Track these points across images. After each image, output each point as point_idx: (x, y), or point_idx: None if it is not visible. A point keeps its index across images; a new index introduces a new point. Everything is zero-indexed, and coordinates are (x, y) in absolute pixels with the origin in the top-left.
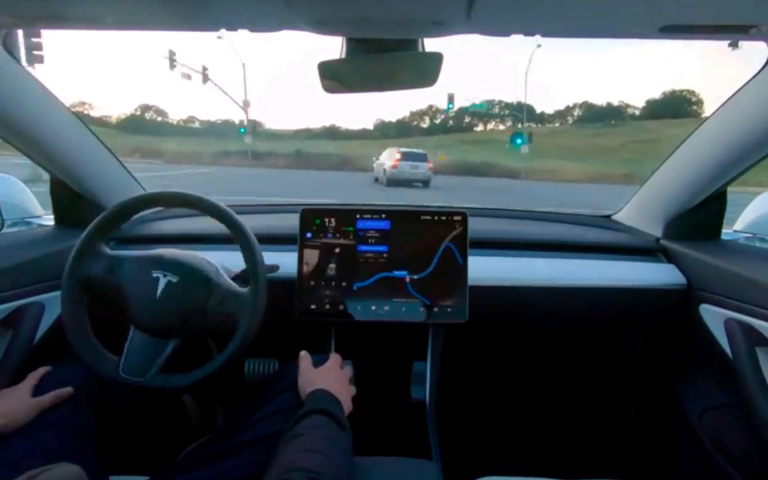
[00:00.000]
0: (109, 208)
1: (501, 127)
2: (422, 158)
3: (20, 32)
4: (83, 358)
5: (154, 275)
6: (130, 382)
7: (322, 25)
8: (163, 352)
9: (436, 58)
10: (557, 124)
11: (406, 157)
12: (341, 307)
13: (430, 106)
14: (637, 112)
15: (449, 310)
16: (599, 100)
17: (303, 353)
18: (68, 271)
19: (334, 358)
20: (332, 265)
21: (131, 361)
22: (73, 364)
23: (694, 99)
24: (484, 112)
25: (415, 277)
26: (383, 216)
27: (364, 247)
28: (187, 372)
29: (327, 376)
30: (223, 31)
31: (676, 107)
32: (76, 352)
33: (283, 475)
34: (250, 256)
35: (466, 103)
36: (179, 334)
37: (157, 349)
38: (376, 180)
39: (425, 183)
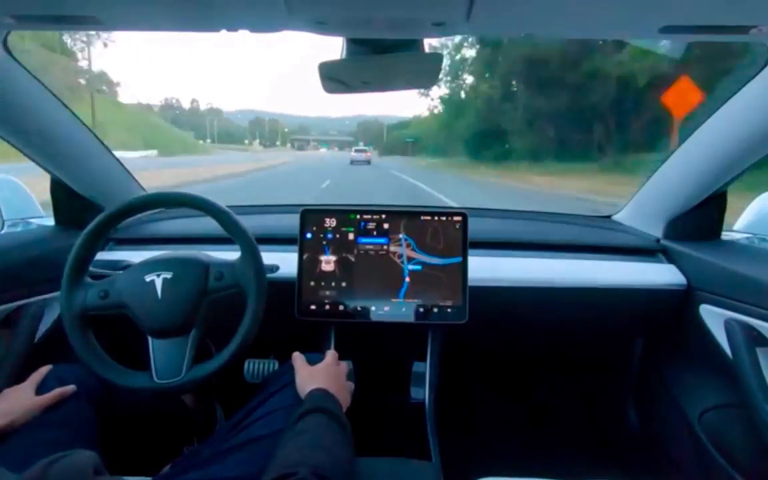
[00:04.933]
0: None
1: None
2: (364, 150)
3: None
4: (113, 381)
5: (148, 279)
6: (169, 386)
7: (322, 25)
8: (188, 347)
9: (436, 59)
10: None
11: (356, 151)
12: (341, 308)
13: None
14: None
15: (449, 310)
16: None
17: (296, 354)
18: (65, 312)
19: (330, 355)
20: (332, 266)
21: (162, 367)
22: (75, 362)
23: None
24: None
25: (415, 277)
26: (383, 216)
27: (363, 247)
28: (209, 360)
29: (323, 374)
30: (223, 32)
31: None
32: (103, 379)
33: (289, 470)
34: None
35: None
36: (194, 324)
37: (181, 345)
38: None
39: (368, 162)
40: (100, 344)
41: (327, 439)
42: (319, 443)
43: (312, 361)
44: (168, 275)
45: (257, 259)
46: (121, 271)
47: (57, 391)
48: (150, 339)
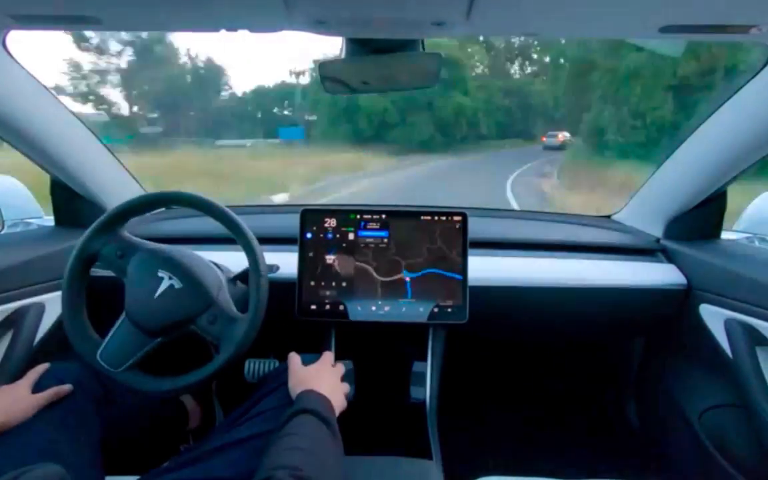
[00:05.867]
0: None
1: None
2: (554, 135)
3: None
4: (67, 331)
5: (160, 274)
6: (103, 370)
7: (322, 25)
8: (142, 350)
9: (437, 59)
10: None
11: (548, 137)
12: (341, 308)
13: None
14: None
15: (449, 310)
16: None
17: (291, 354)
18: (78, 248)
19: (326, 357)
20: (332, 266)
21: (111, 349)
22: (74, 362)
23: None
24: None
25: (416, 277)
26: (383, 216)
27: (364, 247)
28: (168, 376)
29: (316, 375)
30: (222, 31)
31: None
32: (64, 324)
33: (266, 473)
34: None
35: None
36: (163, 335)
37: (139, 344)
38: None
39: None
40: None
41: (312, 440)
42: (302, 445)
43: (308, 362)
44: (177, 284)
45: (259, 313)
46: (151, 245)
47: (53, 390)
48: (122, 316)
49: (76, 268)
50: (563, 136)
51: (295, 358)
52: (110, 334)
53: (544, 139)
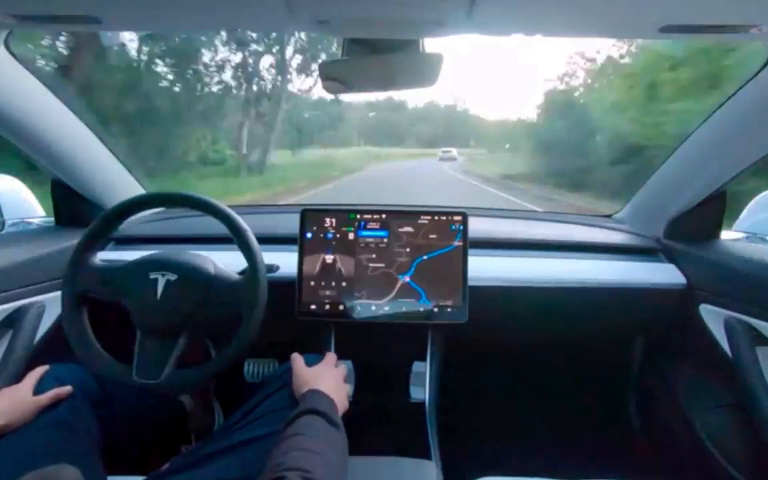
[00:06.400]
0: (103, 213)
1: None
2: (449, 151)
3: None
4: (94, 369)
5: (152, 277)
6: (146, 385)
7: (322, 25)
8: (174, 350)
9: (437, 59)
10: None
11: (443, 152)
12: (341, 308)
13: None
14: None
15: (449, 310)
16: None
17: (294, 355)
18: (65, 289)
19: (329, 358)
20: (332, 266)
21: (143, 365)
22: (73, 362)
23: None
24: None
25: (416, 277)
26: (383, 216)
27: (364, 247)
28: (191, 369)
29: (320, 376)
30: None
31: None
32: (86, 365)
33: (275, 474)
34: (250, 256)
35: None
36: (185, 330)
37: (167, 348)
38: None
39: (453, 159)
40: (93, 327)
41: (319, 441)
42: (310, 446)
43: (310, 363)
44: (172, 277)
45: (260, 278)
46: (128, 260)
47: (54, 392)
48: (138, 334)
49: (74, 312)
50: (455, 151)
51: (298, 359)
52: (135, 354)
53: (440, 153)
